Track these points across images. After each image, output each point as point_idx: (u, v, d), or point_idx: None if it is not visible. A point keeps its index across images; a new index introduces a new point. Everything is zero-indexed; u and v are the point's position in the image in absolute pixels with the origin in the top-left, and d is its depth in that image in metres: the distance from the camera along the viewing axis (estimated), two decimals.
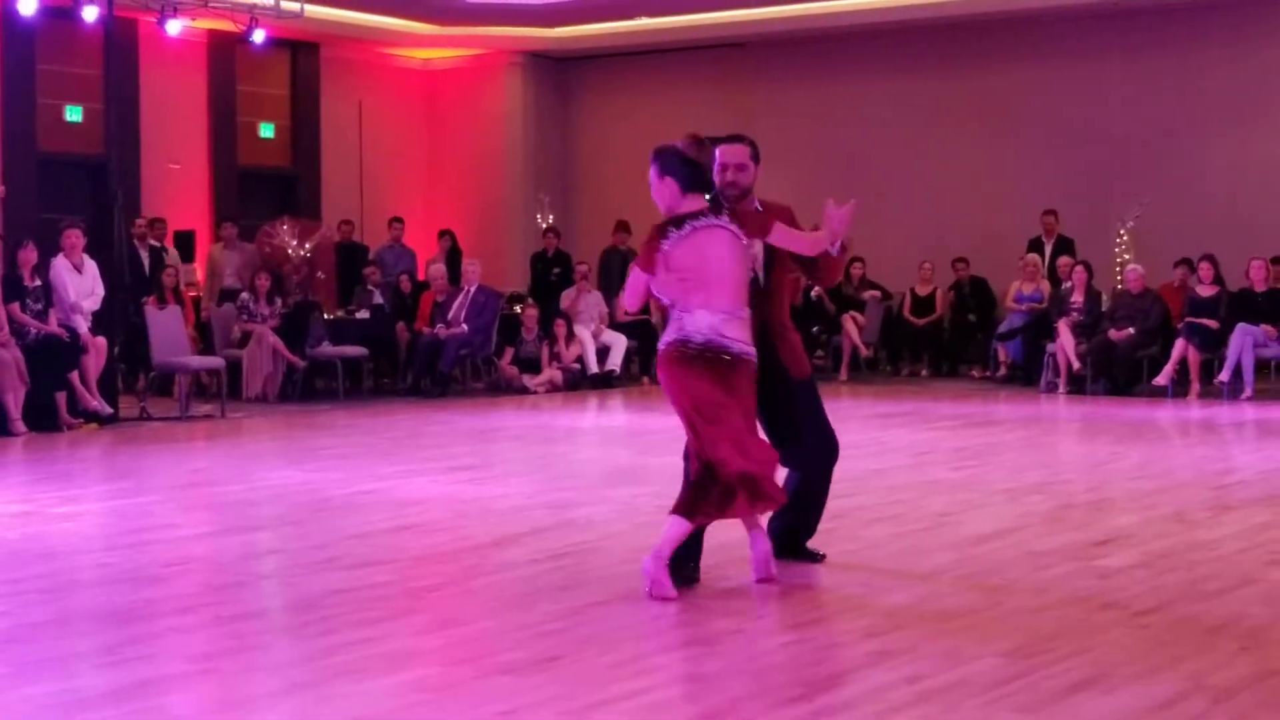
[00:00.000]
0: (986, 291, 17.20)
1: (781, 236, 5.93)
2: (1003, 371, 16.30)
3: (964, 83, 18.27)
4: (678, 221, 5.82)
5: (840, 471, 9.18)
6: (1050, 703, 4.32)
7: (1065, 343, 14.97)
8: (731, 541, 6.89)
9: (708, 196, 5.98)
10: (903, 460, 10.00)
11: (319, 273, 16.49)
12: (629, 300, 6.10)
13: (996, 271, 17.00)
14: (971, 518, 7.56)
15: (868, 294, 17.39)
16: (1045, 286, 16.20)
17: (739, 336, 5.75)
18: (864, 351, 17.08)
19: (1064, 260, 16.07)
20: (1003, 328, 16.35)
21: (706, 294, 5.73)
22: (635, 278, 5.97)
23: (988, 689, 4.44)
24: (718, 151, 6.13)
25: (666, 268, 5.80)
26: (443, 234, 18.14)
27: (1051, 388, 15.11)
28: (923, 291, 17.31)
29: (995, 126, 18.07)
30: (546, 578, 6.18)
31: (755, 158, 6.18)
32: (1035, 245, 16.77)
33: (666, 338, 5.84)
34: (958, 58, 18.29)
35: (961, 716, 4.19)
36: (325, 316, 15.39)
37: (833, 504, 7.91)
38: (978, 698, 4.36)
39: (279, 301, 14.82)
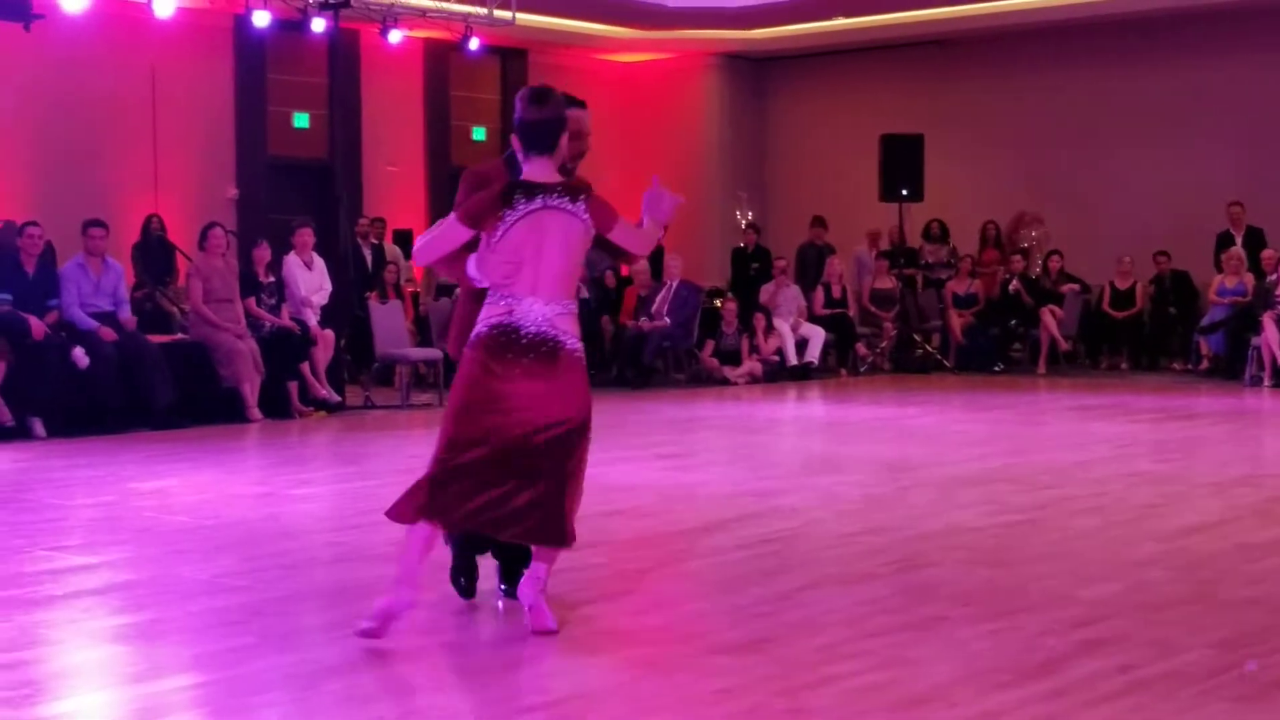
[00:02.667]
0: (1188, 284, 16.88)
1: (621, 234, 5.04)
2: (1205, 365, 15.98)
3: (1160, 75, 17.99)
4: (528, 190, 4.89)
5: (1042, 463, 9.29)
6: (1264, 695, 4.30)
7: (1270, 336, 14.63)
8: (933, 531, 6.99)
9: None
10: (1105, 452, 9.90)
11: None
12: (427, 253, 5.04)
13: (1197, 264, 16.69)
14: (1178, 510, 7.49)
15: (1066, 287, 17.18)
16: (1249, 279, 15.86)
17: (573, 331, 4.96)
18: (1062, 345, 16.90)
19: (1268, 253, 15.71)
20: (1205, 321, 16.03)
21: (538, 281, 4.88)
22: (453, 228, 4.93)
23: (1200, 680, 4.44)
24: (573, 117, 5.10)
25: (491, 247, 4.90)
26: None
27: (1256, 381, 14.77)
28: (1122, 285, 17.04)
29: (1191, 118, 17.75)
30: (755, 562, 6.30)
31: None
32: (1225, 237, 16.46)
33: (488, 320, 4.91)
34: (1153, 51, 18.04)
35: (1174, 707, 4.20)
36: None
37: (1036, 495, 8.00)
38: (1190, 688, 4.36)
39: None
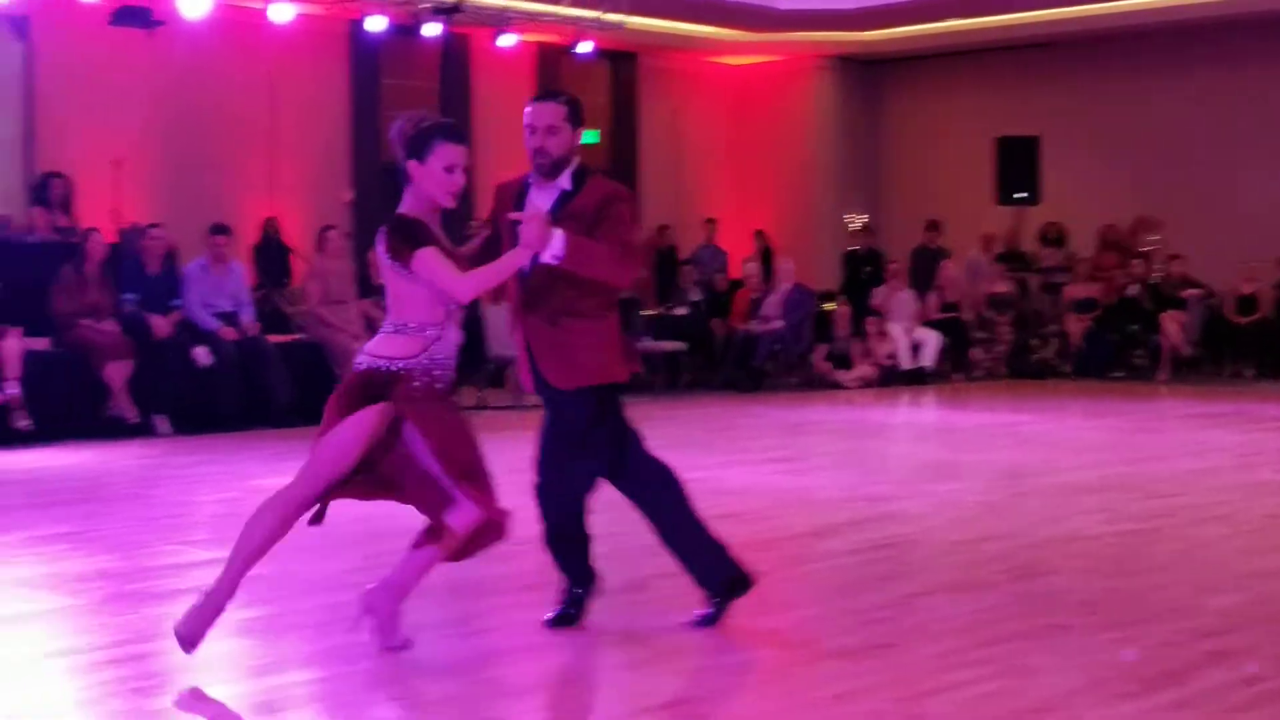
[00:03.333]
0: None
1: (422, 266, 4.69)
2: None
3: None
4: None
5: (1163, 470, 9.14)
6: None
7: None
8: (1051, 538, 6.89)
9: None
10: (1228, 460, 9.73)
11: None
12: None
13: None
14: None
15: (1188, 292, 16.87)
16: None
17: (369, 350, 4.89)
18: (1184, 351, 16.59)
19: None
20: None
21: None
22: None
23: None
24: (525, 111, 5.09)
25: None
26: (757, 233, 18.55)
27: None
28: (1247, 290, 16.71)
29: None
30: (870, 567, 6.28)
31: (574, 119, 5.08)
32: None
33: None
34: (1270, 54, 17.64)
35: None
36: (646, 313, 15.84)
37: (1158, 503, 7.87)
38: None
39: None
